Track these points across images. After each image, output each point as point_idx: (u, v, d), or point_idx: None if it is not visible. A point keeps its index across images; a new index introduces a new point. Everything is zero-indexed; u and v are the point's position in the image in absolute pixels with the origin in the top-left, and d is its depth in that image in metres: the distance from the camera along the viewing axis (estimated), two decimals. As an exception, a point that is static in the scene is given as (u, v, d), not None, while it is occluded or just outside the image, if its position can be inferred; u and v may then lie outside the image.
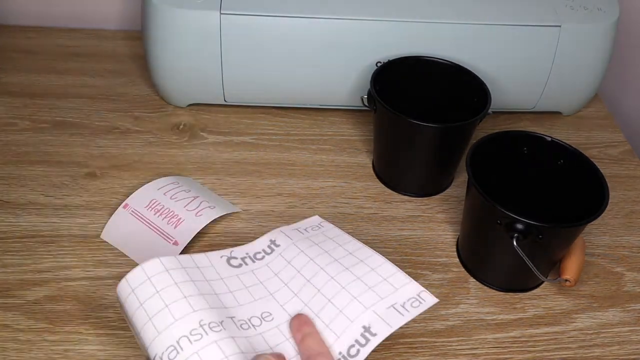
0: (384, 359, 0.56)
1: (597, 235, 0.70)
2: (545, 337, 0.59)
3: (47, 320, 0.56)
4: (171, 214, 0.63)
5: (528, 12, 0.75)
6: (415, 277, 0.63)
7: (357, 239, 0.58)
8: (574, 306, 0.62)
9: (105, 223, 0.64)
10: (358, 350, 0.46)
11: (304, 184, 0.72)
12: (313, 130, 0.80)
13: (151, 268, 0.48)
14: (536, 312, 0.61)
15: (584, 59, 0.78)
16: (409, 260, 0.65)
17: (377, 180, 0.74)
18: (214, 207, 0.65)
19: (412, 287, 0.51)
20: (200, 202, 0.65)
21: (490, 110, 0.66)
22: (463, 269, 0.65)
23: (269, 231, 0.58)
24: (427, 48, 0.73)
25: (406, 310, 0.49)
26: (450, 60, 0.72)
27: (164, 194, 0.65)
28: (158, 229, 0.62)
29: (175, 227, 0.62)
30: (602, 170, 0.60)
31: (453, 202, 0.72)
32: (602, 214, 0.55)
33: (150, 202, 0.64)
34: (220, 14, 0.71)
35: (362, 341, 0.46)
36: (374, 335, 0.47)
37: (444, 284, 0.63)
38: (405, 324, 0.49)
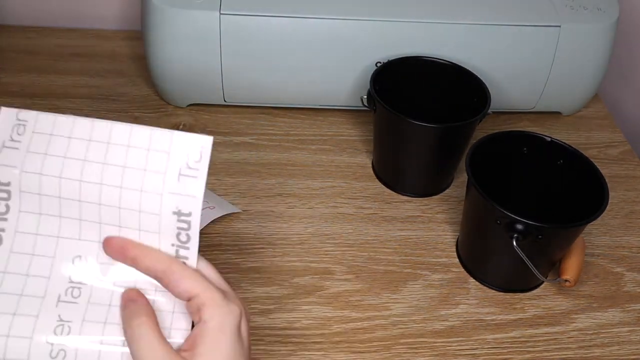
0: (384, 359, 0.56)
1: (597, 235, 0.70)
2: (545, 338, 0.59)
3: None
4: None
5: (528, 12, 0.75)
6: (415, 277, 0.63)
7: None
8: (574, 306, 0.62)
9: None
10: (188, 236, 0.41)
11: (304, 184, 0.72)
12: (313, 130, 0.80)
13: None
14: (536, 313, 0.61)
15: (584, 59, 0.78)
16: (409, 260, 0.65)
17: (377, 180, 0.74)
18: (214, 208, 0.66)
19: (180, 140, 0.42)
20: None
21: (490, 110, 0.66)
22: (463, 269, 0.65)
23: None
24: (427, 48, 0.73)
25: (194, 169, 0.42)
26: (450, 60, 0.72)
27: None
28: None
29: None
30: (602, 170, 0.60)
31: (453, 202, 0.72)
32: (602, 214, 0.55)
33: None
34: (220, 14, 0.71)
35: (184, 225, 0.41)
36: (189, 214, 0.41)
37: (443, 284, 0.63)
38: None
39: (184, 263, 0.41)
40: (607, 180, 0.59)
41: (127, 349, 0.39)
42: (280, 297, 0.60)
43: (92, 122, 0.42)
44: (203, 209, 0.58)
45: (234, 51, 0.73)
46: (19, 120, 0.41)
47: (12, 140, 0.41)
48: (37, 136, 0.41)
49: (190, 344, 0.39)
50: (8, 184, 0.41)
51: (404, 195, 0.72)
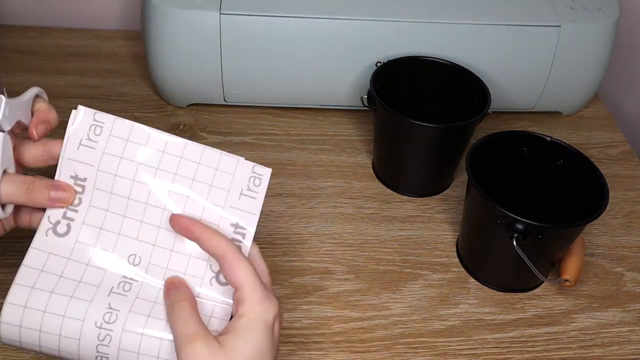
0: (384, 359, 0.56)
1: (597, 235, 0.70)
2: (545, 337, 0.59)
3: (47, 321, 0.56)
4: None
5: (528, 12, 0.75)
6: (415, 277, 0.63)
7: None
8: (574, 306, 0.62)
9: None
10: (240, 247, 0.45)
11: (304, 184, 0.72)
12: (313, 130, 0.80)
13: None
14: (536, 312, 0.61)
15: (584, 59, 0.78)
16: (409, 260, 0.65)
17: (377, 180, 0.74)
18: None
19: (243, 166, 0.48)
20: None
21: (490, 110, 0.66)
22: (463, 269, 0.65)
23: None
24: (427, 48, 0.73)
25: (254, 192, 0.48)
26: (450, 60, 0.72)
27: None
28: None
29: None
30: (602, 170, 0.60)
31: (453, 202, 0.72)
32: (602, 214, 0.55)
33: None
34: (220, 14, 0.71)
35: (239, 237, 0.46)
36: (245, 229, 0.46)
37: (443, 284, 0.63)
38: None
39: (239, 251, 0.44)
40: (607, 180, 0.59)
41: (167, 338, 0.43)
42: (280, 297, 0.60)
43: (167, 138, 0.47)
44: None
45: (234, 51, 0.73)
46: (96, 121, 0.46)
47: (89, 139, 0.45)
48: (113, 139, 0.46)
49: (224, 330, 0.43)
50: (84, 180, 0.45)
51: (404, 195, 0.72)
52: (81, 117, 0.45)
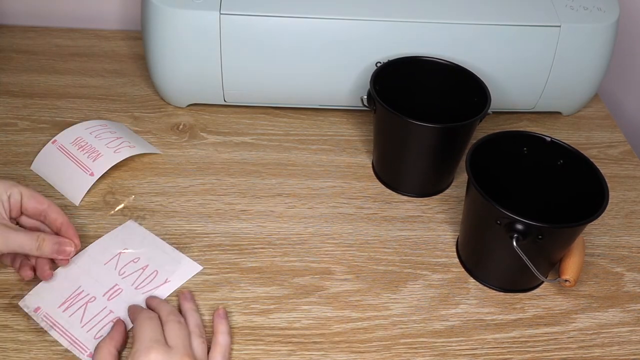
0: (384, 359, 0.56)
1: (597, 235, 0.70)
2: (545, 338, 0.59)
3: (47, 321, 0.56)
4: (92, 149, 0.70)
5: (528, 12, 0.75)
6: (415, 277, 0.63)
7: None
8: (574, 306, 0.62)
9: (105, 223, 0.64)
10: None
11: (304, 184, 0.72)
12: (313, 130, 0.80)
13: None
14: (536, 313, 0.61)
15: (584, 59, 0.78)
16: (409, 260, 0.65)
17: (377, 180, 0.74)
18: (134, 147, 0.71)
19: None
20: (122, 142, 0.71)
21: (490, 110, 0.66)
22: (463, 269, 0.65)
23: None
24: (427, 48, 0.73)
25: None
26: (450, 60, 0.72)
27: (90, 133, 0.71)
28: (79, 162, 0.69)
29: (94, 160, 0.69)
30: (602, 170, 0.60)
31: (453, 202, 0.72)
32: (602, 214, 0.55)
33: (76, 139, 0.71)
34: (220, 14, 0.71)
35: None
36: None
37: (443, 284, 0.63)
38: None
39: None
40: (607, 180, 0.59)
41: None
42: (280, 297, 0.60)
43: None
44: (123, 147, 0.70)
45: (234, 51, 0.73)
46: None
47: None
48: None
49: None
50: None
51: (404, 195, 0.72)
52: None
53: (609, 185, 0.58)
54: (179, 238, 0.64)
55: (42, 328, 0.55)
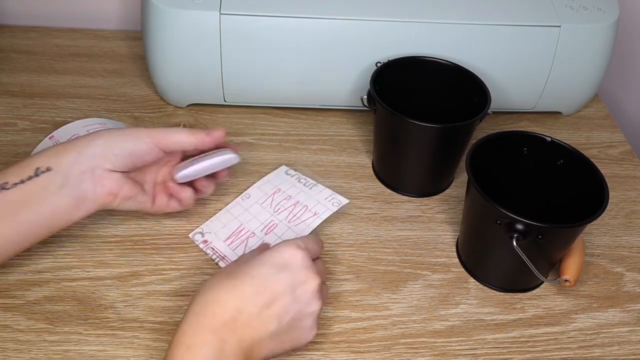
0: (384, 359, 0.56)
1: (597, 235, 0.70)
2: (545, 338, 0.59)
3: (47, 321, 0.56)
4: None
5: (528, 12, 0.75)
6: (415, 277, 0.63)
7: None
8: (574, 306, 0.62)
9: (104, 222, 0.64)
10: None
11: (303, 184, 0.72)
12: (313, 130, 0.80)
13: None
14: (536, 313, 0.61)
15: (584, 59, 0.78)
16: (409, 260, 0.65)
17: (377, 180, 0.74)
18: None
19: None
20: None
21: (490, 110, 0.66)
22: (463, 269, 0.65)
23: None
24: (427, 48, 0.73)
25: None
26: (450, 60, 0.72)
27: (88, 131, 0.70)
28: None
29: None
30: (602, 170, 0.60)
31: (453, 202, 0.72)
32: (602, 214, 0.55)
33: (72, 136, 0.69)
34: (220, 14, 0.71)
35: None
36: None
37: (443, 284, 0.63)
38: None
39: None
40: (607, 180, 0.59)
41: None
42: (280, 297, 0.60)
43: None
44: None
45: (234, 51, 0.73)
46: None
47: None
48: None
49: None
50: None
51: (404, 195, 0.72)
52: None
53: (609, 185, 0.58)
54: (179, 238, 0.64)
55: (44, 327, 0.55)
